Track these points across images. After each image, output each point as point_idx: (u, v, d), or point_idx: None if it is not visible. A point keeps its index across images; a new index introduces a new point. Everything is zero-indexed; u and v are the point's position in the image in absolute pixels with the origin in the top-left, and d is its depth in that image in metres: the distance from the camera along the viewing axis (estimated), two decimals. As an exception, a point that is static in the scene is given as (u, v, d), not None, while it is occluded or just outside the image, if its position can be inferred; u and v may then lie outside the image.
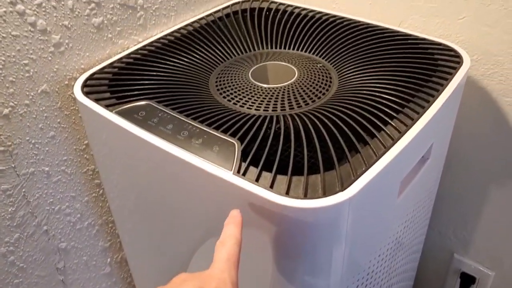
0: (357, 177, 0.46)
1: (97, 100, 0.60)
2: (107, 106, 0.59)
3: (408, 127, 0.53)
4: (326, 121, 0.54)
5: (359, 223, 0.49)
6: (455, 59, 0.64)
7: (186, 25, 0.77)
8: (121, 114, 0.57)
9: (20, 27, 0.58)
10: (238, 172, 0.48)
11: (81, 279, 0.82)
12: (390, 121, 0.54)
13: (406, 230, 0.66)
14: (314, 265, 0.50)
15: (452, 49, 0.67)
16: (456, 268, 0.94)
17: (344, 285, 0.54)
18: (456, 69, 0.62)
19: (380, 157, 0.49)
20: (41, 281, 0.74)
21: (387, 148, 0.50)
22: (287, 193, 0.45)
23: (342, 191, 0.45)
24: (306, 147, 0.51)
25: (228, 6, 0.83)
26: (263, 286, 0.54)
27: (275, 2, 0.83)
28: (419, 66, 0.63)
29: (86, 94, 0.61)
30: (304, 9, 0.80)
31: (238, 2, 0.85)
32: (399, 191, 0.56)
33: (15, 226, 0.67)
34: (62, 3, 0.61)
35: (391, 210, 0.56)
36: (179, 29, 0.76)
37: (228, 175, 0.48)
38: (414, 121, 0.54)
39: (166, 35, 0.75)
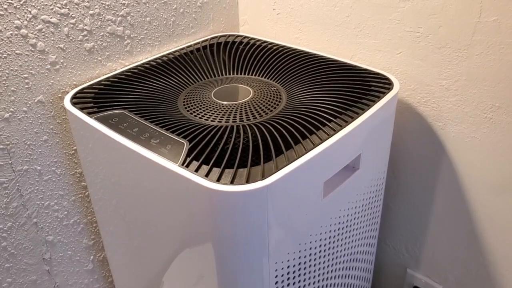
0: (277, 170, 0.57)
1: (81, 109, 0.73)
2: (89, 113, 0.71)
3: (330, 136, 0.64)
4: (264, 130, 0.66)
5: (281, 211, 0.60)
6: (387, 86, 0.76)
7: (168, 54, 0.91)
8: (99, 119, 0.70)
9: (23, 47, 0.71)
10: (183, 164, 0.59)
11: (65, 272, 0.92)
12: (315, 131, 0.65)
13: (342, 233, 0.76)
14: (243, 246, 0.60)
15: (386, 78, 0.78)
16: (409, 282, 1.02)
17: (273, 268, 0.63)
18: (385, 93, 0.74)
19: (300, 157, 0.60)
20: (29, 268, 0.85)
21: (307, 151, 0.61)
22: (217, 181, 0.56)
23: (262, 180, 0.56)
24: (241, 148, 0.62)
25: (207, 40, 0.96)
26: (204, 266, 0.65)
27: (248, 37, 0.97)
28: (354, 90, 0.75)
29: (74, 104, 0.74)
30: (271, 43, 0.93)
31: (216, 37, 0.98)
32: (324, 192, 0.66)
33: (8, 215, 0.79)
34: (59, 29, 0.75)
35: (316, 208, 0.66)
36: (162, 56, 0.90)
37: (174, 166, 0.59)
38: (336, 131, 0.65)
39: (150, 61, 0.88)
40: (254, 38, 0.96)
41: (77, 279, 0.95)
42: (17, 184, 0.78)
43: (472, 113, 0.78)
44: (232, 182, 0.56)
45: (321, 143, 0.62)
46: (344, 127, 0.66)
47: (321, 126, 0.66)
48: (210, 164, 0.59)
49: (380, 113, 0.72)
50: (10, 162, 0.76)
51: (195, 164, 0.59)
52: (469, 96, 0.77)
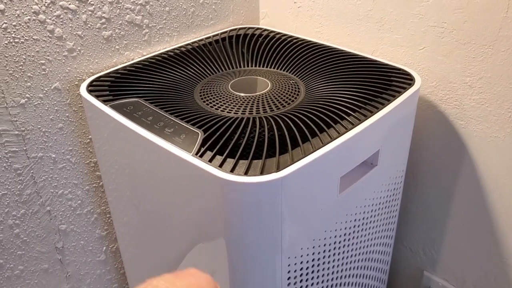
0: (292, 162, 0.56)
1: (97, 96, 0.72)
2: (104, 101, 0.71)
3: (348, 130, 0.62)
4: (280, 122, 0.64)
5: (296, 204, 0.58)
6: (408, 81, 0.74)
7: (187, 45, 0.90)
8: (114, 107, 0.69)
9: (40, 32, 0.71)
10: (197, 154, 0.58)
11: (77, 261, 0.92)
12: (333, 124, 0.63)
13: (358, 230, 0.74)
14: (256, 239, 0.59)
15: (408, 73, 0.76)
16: (426, 285, 1.00)
17: (286, 263, 0.62)
18: (406, 88, 0.72)
19: (316, 150, 0.58)
20: (41, 256, 0.85)
21: (324, 144, 0.59)
22: (231, 171, 0.55)
23: (276, 172, 0.54)
24: (257, 139, 0.61)
25: (226, 32, 0.95)
26: (216, 259, 0.63)
27: (267, 30, 0.95)
28: (374, 85, 0.73)
29: (90, 91, 0.74)
30: (291, 36, 0.91)
31: (235, 29, 0.97)
32: (340, 187, 0.64)
33: (22, 202, 0.79)
34: (77, 16, 0.74)
35: (332, 203, 0.65)
36: (180, 47, 0.89)
37: (188, 156, 0.58)
38: (354, 125, 0.63)
39: (167, 51, 0.87)
40: (274, 31, 0.94)
41: (89, 270, 0.95)
42: (31, 171, 0.78)
43: (496, 111, 0.75)
44: (246, 173, 0.55)
45: (339, 136, 0.61)
46: (363, 121, 0.64)
47: (339, 120, 0.64)
48: (224, 154, 0.57)
49: (400, 108, 0.70)
50: (25, 148, 0.76)
51: (209, 154, 0.58)
52: (493, 94, 0.75)
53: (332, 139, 0.60)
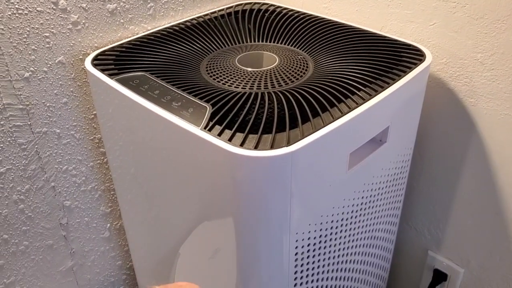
0: (302, 137, 0.55)
1: (102, 70, 0.71)
2: (109, 75, 0.70)
3: (359, 105, 0.61)
4: (290, 97, 0.63)
5: (305, 179, 0.58)
6: (418, 57, 0.73)
7: (192, 19, 0.88)
8: (120, 81, 0.68)
9: (44, 4, 0.70)
10: (205, 128, 0.57)
11: (81, 238, 0.91)
12: (344, 99, 0.62)
13: (365, 208, 0.73)
14: (264, 214, 0.58)
15: (418, 49, 0.75)
16: (430, 264, 1.00)
17: (293, 239, 0.62)
18: (416, 64, 0.71)
19: (327, 125, 0.57)
20: (45, 232, 0.85)
21: (334, 119, 0.58)
22: (241, 145, 0.54)
23: (286, 146, 0.54)
24: (266, 114, 0.60)
25: (231, 7, 0.94)
26: (224, 235, 0.63)
27: (274, 5, 0.93)
28: (385, 60, 0.71)
29: (95, 65, 0.72)
30: (298, 11, 0.90)
31: (241, 4, 0.95)
32: (349, 164, 0.64)
33: (26, 178, 0.78)
34: (81, -12, 0.73)
35: (340, 180, 0.64)
36: (185, 21, 0.87)
37: (196, 130, 0.57)
38: (365, 100, 0.62)
39: (172, 26, 0.85)
40: (280, 7, 0.93)
41: (93, 246, 0.95)
42: (36, 146, 0.77)
43: (507, 88, 0.74)
44: (256, 147, 0.54)
45: (349, 111, 0.60)
46: (374, 96, 0.63)
47: (349, 95, 0.63)
48: (234, 128, 0.57)
49: (411, 84, 0.69)
50: (29, 123, 0.75)
51: (218, 128, 0.57)
52: (505, 70, 0.73)
53: (343, 114, 0.59)
